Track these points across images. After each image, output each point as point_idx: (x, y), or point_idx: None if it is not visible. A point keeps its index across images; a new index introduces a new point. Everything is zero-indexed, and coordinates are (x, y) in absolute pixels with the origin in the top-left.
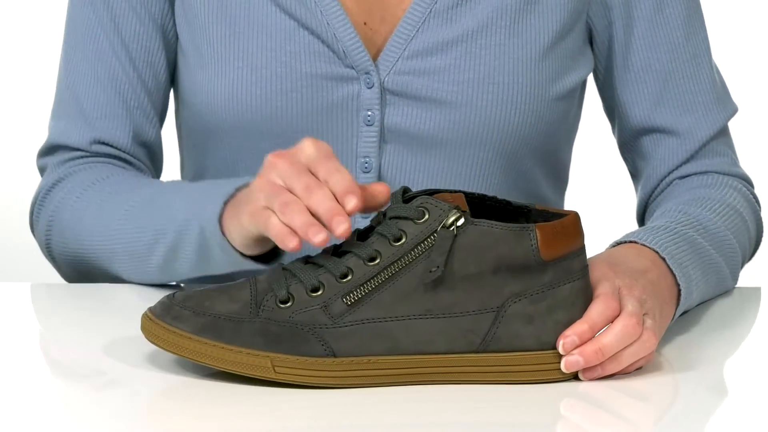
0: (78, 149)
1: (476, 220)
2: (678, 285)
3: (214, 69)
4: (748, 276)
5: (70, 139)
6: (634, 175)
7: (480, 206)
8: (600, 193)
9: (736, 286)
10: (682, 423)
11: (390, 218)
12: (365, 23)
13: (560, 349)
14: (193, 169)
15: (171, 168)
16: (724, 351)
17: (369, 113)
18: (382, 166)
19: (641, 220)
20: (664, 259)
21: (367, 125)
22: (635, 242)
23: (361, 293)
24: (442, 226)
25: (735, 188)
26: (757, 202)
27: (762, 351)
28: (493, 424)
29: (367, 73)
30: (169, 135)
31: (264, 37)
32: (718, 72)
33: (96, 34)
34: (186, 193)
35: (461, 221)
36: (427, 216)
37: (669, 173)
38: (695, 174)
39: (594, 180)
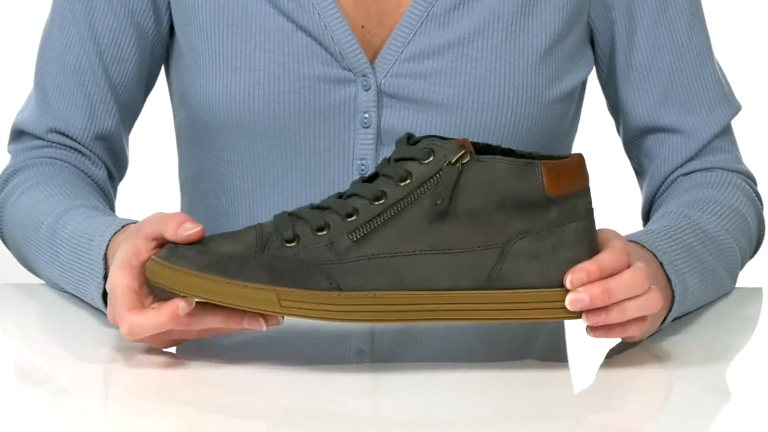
0: (36, 137)
1: (481, 156)
2: (672, 290)
3: (212, 69)
4: (748, 276)
5: (29, 125)
6: (639, 173)
7: (485, 154)
8: (599, 193)
9: (738, 286)
10: (682, 423)
11: (396, 160)
12: (363, 26)
13: (567, 284)
14: (190, 170)
15: (170, 167)
16: (724, 351)
17: (366, 116)
18: None
19: (646, 218)
20: (661, 264)
21: (364, 127)
22: (636, 242)
23: (366, 230)
24: (448, 163)
25: (738, 187)
26: (760, 200)
27: (763, 351)
28: (492, 419)
29: (364, 75)
30: (167, 135)
31: (262, 39)
32: (721, 70)
33: (67, 25)
34: (63, 265)
35: (467, 158)
36: (432, 157)
37: (673, 171)
38: (699, 171)
39: (593, 180)
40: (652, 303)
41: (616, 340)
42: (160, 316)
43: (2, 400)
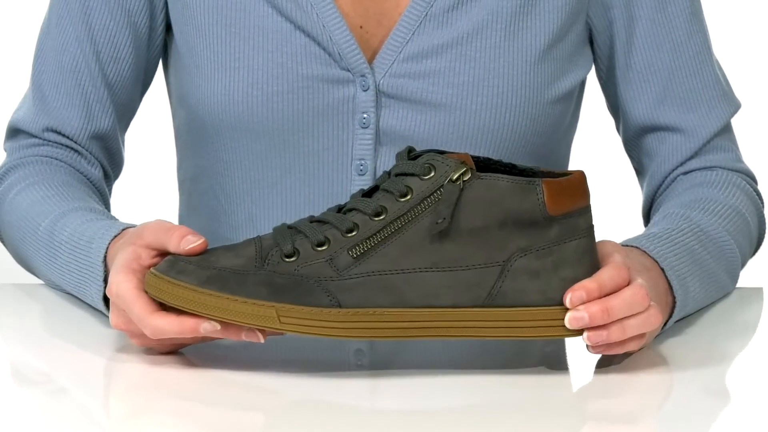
0: (32, 135)
1: (483, 174)
2: (673, 295)
3: (211, 70)
4: (749, 276)
5: (25, 124)
6: (639, 171)
7: (485, 169)
8: (598, 193)
9: (738, 286)
10: (681, 423)
11: (396, 175)
12: (361, 26)
13: (567, 302)
14: (189, 170)
15: (169, 167)
16: (724, 352)
17: (364, 116)
18: (377, 168)
19: (647, 217)
20: (662, 269)
21: (363, 128)
22: (637, 247)
23: (366, 246)
24: (449, 181)
25: (738, 186)
26: (760, 198)
27: (763, 352)
28: (491, 420)
29: (362, 75)
30: (166, 135)
31: (260, 39)
32: (720, 68)
33: (64, 25)
34: (66, 267)
35: (468, 176)
36: (433, 172)
37: (674, 170)
38: (699, 169)
39: (593, 177)
40: (651, 320)
41: None
42: (182, 325)
43: (2, 400)
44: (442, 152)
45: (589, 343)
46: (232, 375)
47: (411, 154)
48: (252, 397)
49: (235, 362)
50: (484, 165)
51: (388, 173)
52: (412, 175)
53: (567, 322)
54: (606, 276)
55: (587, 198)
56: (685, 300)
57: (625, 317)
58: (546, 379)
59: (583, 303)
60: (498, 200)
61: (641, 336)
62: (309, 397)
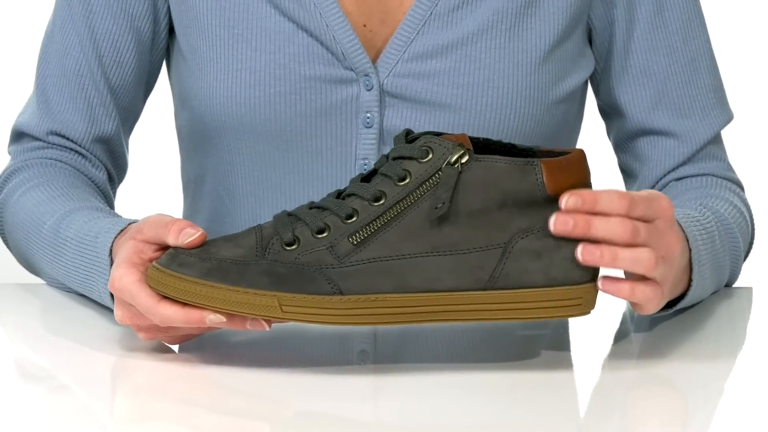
0: (36, 138)
1: (480, 156)
2: (690, 278)
3: (214, 71)
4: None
5: (29, 127)
6: (630, 175)
7: (485, 150)
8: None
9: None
10: (677, 423)
11: (393, 159)
12: (365, 25)
13: (562, 201)
14: (193, 171)
15: (173, 168)
16: (716, 351)
17: (368, 115)
18: None
19: None
20: (690, 250)
21: (367, 127)
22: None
23: (366, 233)
24: (447, 164)
25: (732, 191)
26: (749, 208)
27: (752, 351)
28: (494, 421)
29: (366, 75)
30: (170, 136)
31: (263, 40)
32: (719, 77)
33: (68, 29)
34: (73, 267)
35: (465, 158)
36: (431, 155)
37: (665, 174)
38: (692, 176)
39: (596, 179)
40: (644, 261)
41: (616, 342)
42: (188, 315)
43: (3, 399)
44: (439, 134)
45: (579, 258)
46: (233, 374)
47: (408, 137)
48: (253, 398)
49: (236, 360)
50: (483, 145)
51: (386, 157)
52: (410, 158)
53: (552, 221)
54: (605, 194)
55: (587, 176)
56: (696, 289)
57: (619, 247)
58: (548, 379)
59: (577, 209)
60: (497, 182)
61: (649, 286)
62: (312, 398)
